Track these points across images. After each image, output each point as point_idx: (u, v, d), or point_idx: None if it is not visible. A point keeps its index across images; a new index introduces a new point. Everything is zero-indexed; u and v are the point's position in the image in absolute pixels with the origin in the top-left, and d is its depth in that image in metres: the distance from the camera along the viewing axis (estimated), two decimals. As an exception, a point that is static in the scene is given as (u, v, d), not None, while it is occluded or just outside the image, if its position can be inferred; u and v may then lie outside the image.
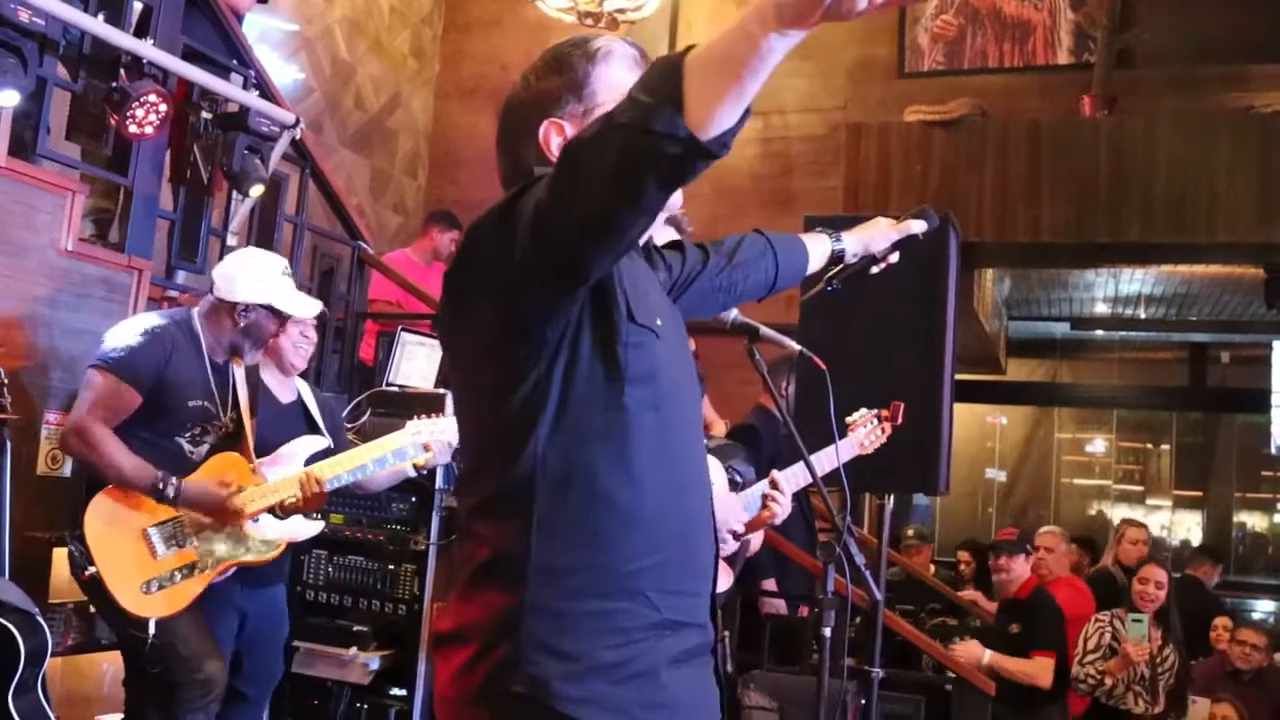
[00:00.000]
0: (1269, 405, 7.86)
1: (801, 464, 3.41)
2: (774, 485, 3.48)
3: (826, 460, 3.28)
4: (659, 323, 1.76)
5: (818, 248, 2.44)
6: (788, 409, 3.44)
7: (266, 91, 5.07)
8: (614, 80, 1.79)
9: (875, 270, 2.51)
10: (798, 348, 2.74)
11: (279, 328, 3.82)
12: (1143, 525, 7.06)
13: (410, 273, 6.46)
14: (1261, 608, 10.93)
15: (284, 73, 7.31)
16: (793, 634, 5.11)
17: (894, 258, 2.52)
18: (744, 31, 1.31)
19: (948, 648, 5.14)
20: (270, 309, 3.69)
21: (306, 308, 3.82)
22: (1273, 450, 8.16)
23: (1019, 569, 5.44)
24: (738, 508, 3.51)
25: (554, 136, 1.78)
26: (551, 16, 7.09)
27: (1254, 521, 13.40)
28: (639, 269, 1.84)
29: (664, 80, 1.37)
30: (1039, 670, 5.21)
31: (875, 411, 3.61)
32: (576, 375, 1.66)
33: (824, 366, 2.56)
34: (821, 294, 2.55)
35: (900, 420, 3.61)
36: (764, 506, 3.48)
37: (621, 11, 6.90)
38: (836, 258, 2.46)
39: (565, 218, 1.50)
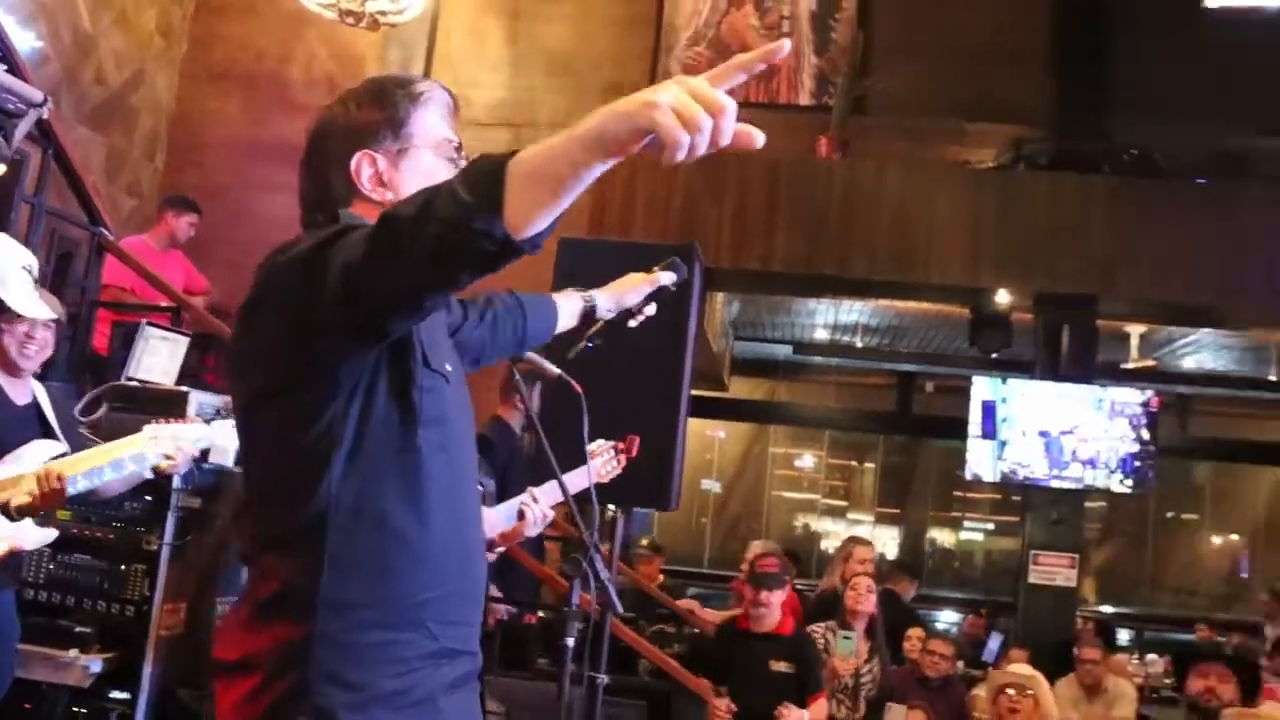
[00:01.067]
0: (966, 433, 8.49)
1: (553, 480, 3.52)
2: (533, 499, 3.58)
3: (568, 483, 3.40)
4: (448, 368, 1.85)
5: (569, 305, 2.52)
6: (531, 422, 3.53)
7: (14, 65, 4.85)
8: (430, 125, 1.88)
9: (633, 324, 2.62)
10: (556, 371, 2.85)
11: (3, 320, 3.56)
12: (869, 544, 7.04)
13: (148, 259, 6.25)
14: (946, 619, 11.71)
15: (19, 39, 6.93)
16: (520, 640, 5.24)
17: (650, 310, 2.62)
18: (566, 153, 1.39)
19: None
20: None
21: (36, 309, 3.57)
22: (966, 475, 8.80)
23: (778, 602, 5.42)
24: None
25: (365, 168, 1.85)
26: (311, 10, 6.96)
27: (944, 539, 14.48)
28: (435, 317, 1.91)
29: (486, 181, 1.43)
30: (823, 713, 5.35)
31: (613, 443, 3.73)
32: (372, 416, 1.71)
33: (580, 390, 2.68)
34: (582, 353, 2.63)
35: (635, 453, 3.74)
36: (520, 518, 3.58)
37: (383, 14, 6.85)
38: (589, 315, 2.55)
39: (376, 285, 1.56)
